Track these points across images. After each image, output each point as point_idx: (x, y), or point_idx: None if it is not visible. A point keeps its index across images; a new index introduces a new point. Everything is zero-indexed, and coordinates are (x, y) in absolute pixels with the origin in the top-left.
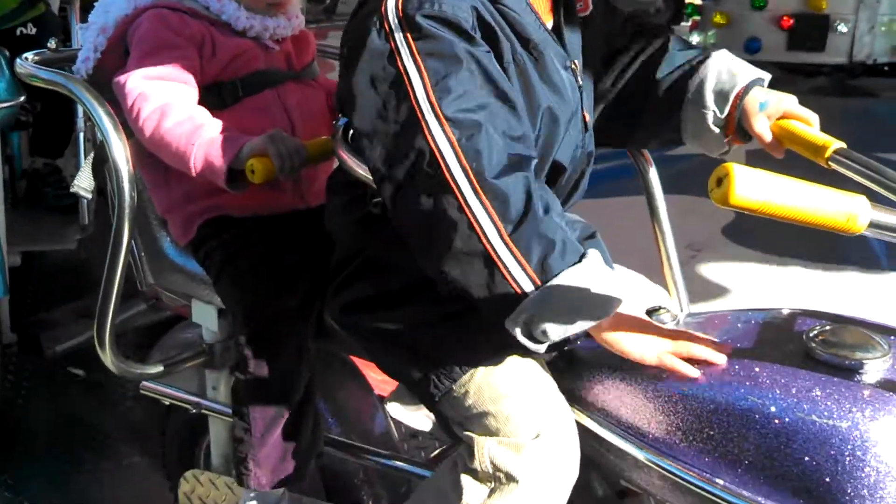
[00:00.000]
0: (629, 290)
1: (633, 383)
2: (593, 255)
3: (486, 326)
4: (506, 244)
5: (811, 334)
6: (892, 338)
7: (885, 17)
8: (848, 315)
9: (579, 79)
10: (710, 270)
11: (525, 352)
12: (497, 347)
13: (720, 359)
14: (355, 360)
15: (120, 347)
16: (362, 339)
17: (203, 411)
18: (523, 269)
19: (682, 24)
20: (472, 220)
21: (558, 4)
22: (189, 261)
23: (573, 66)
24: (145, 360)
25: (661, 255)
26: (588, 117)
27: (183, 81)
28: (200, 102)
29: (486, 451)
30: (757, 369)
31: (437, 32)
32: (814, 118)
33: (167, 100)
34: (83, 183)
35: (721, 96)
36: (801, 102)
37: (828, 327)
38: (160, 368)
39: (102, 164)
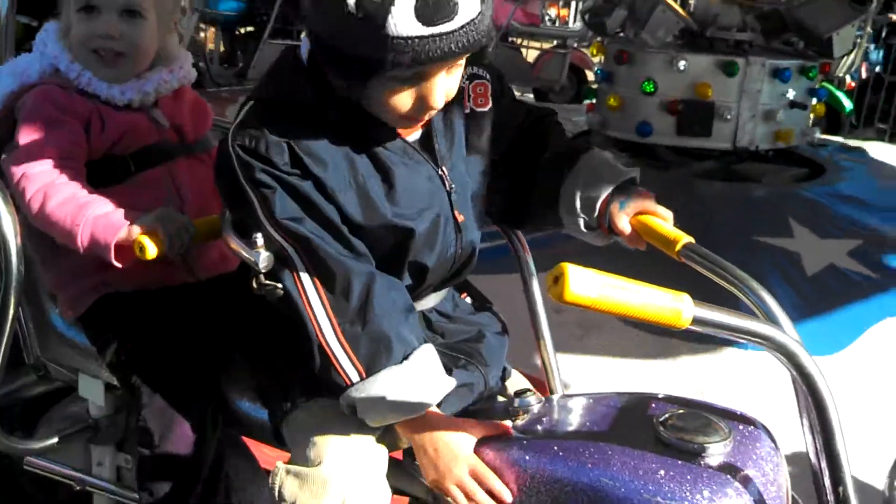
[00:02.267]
0: (450, 389)
1: (486, 453)
2: (421, 354)
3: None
4: (337, 338)
5: (661, 419)
6: (734, 422)
7: (765, 106)
8: (697, 400)
9: (447, 184)
10: (599, 349)
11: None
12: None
13: (507, 496)
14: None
15: (5, 420)
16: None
17: (88, 488)
18: (352, 362)
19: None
20: (312, 316)
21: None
22: (77, 334)
23: (441, 172)
24: (31, 434)
25: (535, 335)
26: (462, 218)
27: (68, 159)
28: (92, 177)
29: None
30: (609, 452)
31: (253, 164)
32: (668, 214)
33: (51, 178)
34: None
35: (588, 203)
36: (691, 184)
37: (677, 412)
38: (45, 443)
39: None
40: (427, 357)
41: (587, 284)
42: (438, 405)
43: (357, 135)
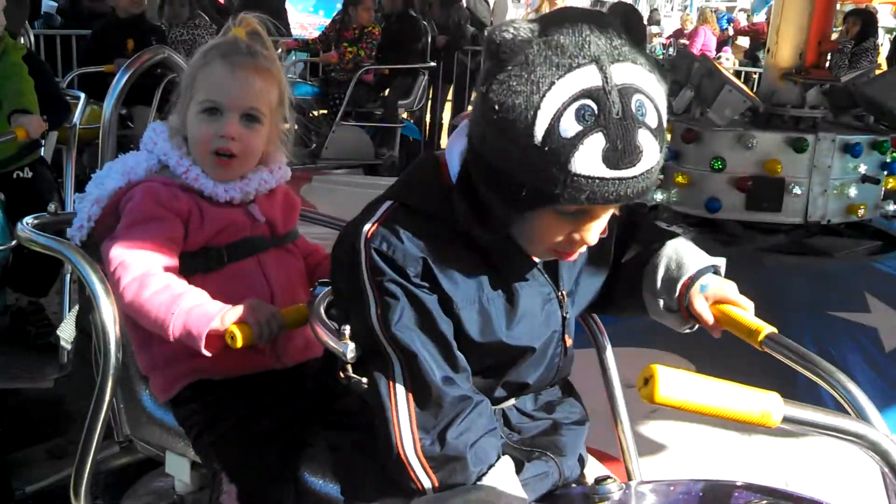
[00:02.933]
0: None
1: None
2: (495, 473)
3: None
4: (416, 452)
5: None
6: None
7: (836, 180)
8: (781, 489)
9: (565, 309)
10: (675, 427)
11: None
12: None
13: None
14: None
15: (91, 492)
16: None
17: None
18: (427, 473)
19: None
20: (396, 425)
21: None
22: (166, 414)
23: (560, 296)
24: None
25: (613, 419)
26: (570, 342)
27: (165, 251)
28: (187, 266)
29: None
30: None
31: (385, 269)
32: (749, 304)
33: (146, 269)
34: (65, 334)
35: (668, 285)
36: (761, 259)
37: (761, 501)
38: None
39: (87, 313)
40: (501, 472)
41: (677, 386)
42: None
43: (490, 255)
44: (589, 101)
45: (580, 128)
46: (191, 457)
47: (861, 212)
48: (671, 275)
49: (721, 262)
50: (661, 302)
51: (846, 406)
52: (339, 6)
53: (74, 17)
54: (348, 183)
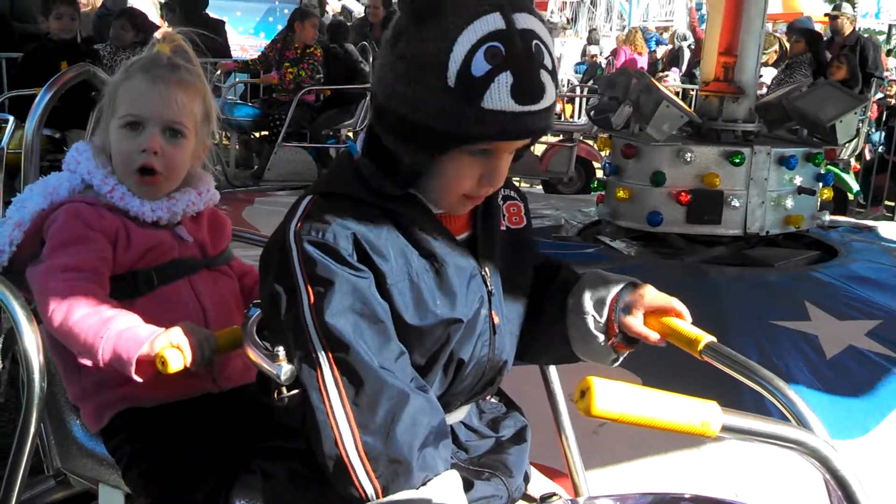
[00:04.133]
0: None
1: None
2: (441, 481)
3: None
4: (357, 452)
5: None
6: None
7: (773, 192)
8: (726, 499)
9: (489, 284)
10: (622, 439)
11: None
12: None
13: None
14: None
15: None
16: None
17: None
18: (369, 478)
19: (590, 194)
20: (335, 426)
21: (476, 220)
22: (98, 445)
23: (483, 273)
24: None
25: (558, 433)
26: (497, 319)
27: (93, 273)
28: (115, 291)
29: None
30: None
31: (318, 257)
32: (684, 310)
33: (75, 293)
34: None
35: (598, 303)
36: (703, 270)
37: None
38: None
39: (13, 343)
40: (447, 483)
41: (614, 398)
42: None
43: (413, 231)
44: (497, 43)
45: (489, 67)
46: (125, 489)
47: (799, 223)
48: (599, 293)
49: (638, 281)
50: (591, 320)
51: (786, 413)
52: (280, 28)
53: (1, 38)
54: (291, 204)
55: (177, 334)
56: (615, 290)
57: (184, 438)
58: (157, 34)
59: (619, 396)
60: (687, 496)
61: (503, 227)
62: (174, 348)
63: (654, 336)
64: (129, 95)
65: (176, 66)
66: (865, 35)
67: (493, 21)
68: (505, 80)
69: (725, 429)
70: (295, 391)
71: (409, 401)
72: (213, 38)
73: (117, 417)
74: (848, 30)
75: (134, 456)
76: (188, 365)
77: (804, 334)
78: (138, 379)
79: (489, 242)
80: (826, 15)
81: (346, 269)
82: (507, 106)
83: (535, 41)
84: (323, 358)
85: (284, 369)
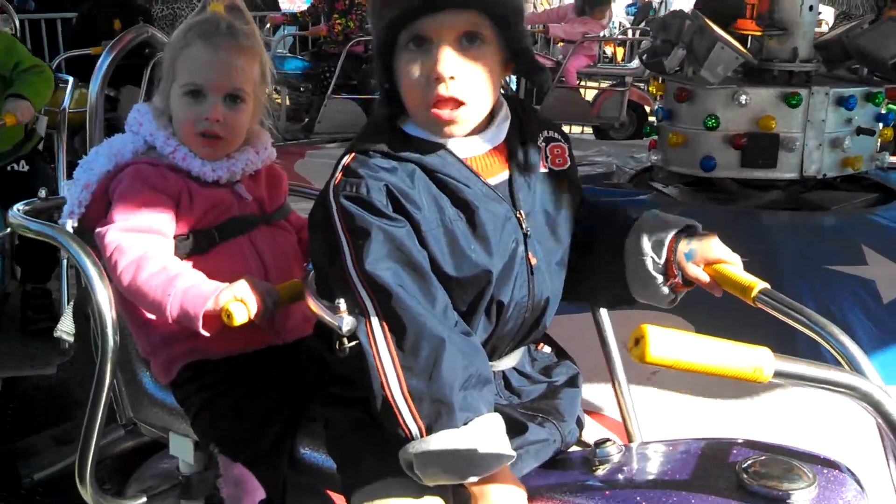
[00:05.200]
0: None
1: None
2: (483, 422)
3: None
4: (402, 392)
5: (744, 465)
6: (818, 467)
7: (831, 134)
8: (779, 444)
9: (524, 225)
10: (675, 385)
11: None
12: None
13: None
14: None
15: (98, 477)
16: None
17: None
18: (413, 418)
19: (642, 140)
20: (381, 369)
21: (512, 162)
22: (167, 395)
23: (518, 215)
24: (123, 490)
25: (611, 380)
26: (535, 261)
27: (158, 233)
28: (179, 249)
29: None
30: (693, 501)
31: (354, 210)
32: (737, 259)
33: (142, 252)
34: (65, 327)
35: (657, 244)
36: (757, 216)
37: (760, 458)
38: (138, 501)
39: (86, 304)
40: (490, 425)
41: (668, 345)
42: (514, 465)
43: (444, 179)
44: None
45: None
46: (193, 437)
47: (857, 165)
48: (657, 235)
49: (697, 224)
50: (649, 262)
51: (840, 359)
52: None
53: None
54: None
55: (241, 288)
56: (673, 231)
57: (249, 388)
58: None
59: (672, 343)
60: (740, 441)
61: (545, 169)
62: (238, 302)
63: (705, 279)
64: (190, 63)
65: (233, 30)
66: None
67: None
68: None
69: (777, 374)
70: (355, 341)
71: (450, 344)
72: None
73: (185, 369)
74: None
75: (202, 406)
76: (252, 318)
77: (860, 279)
78: (206, 333)
79: (527, 187)
80: None
81: (382, 220)
82: None
83: None
84: (369, 305)
85: (346, 320)
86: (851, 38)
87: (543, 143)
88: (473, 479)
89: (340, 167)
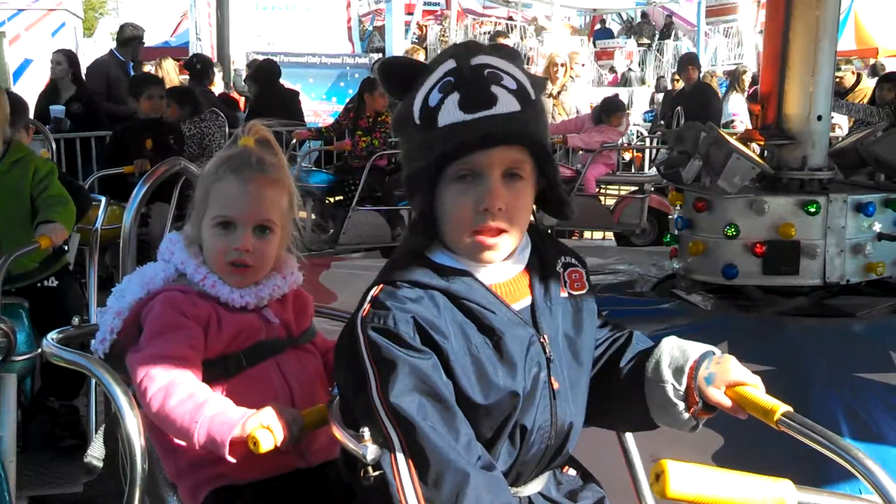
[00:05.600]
0: None
1: None
2: None
3: None
4: None
5: None
6: None
7: (852, 240)
8: None
9: (548, 350)
10: None
11: None
12: None
13: None
14: None
15: None
16: None
17: None
18: None
19: (663, 245)
20: (404, 501)
21: (534, 287)
22: None
23: (542, 340)
24: None
25: (637, 500)
26: (557, 385)
27: (188, 360)
28: (206, 373)
29: None
30: None
31: (381, 342)
32: (756, 380)
33: (171, 378)
34: (95, 452)
35: (677, 371)
36: (783, 323)
37: None
38: None
39: (115, 428)
40: None
41: (688, 480)
42: None
43: (470, 306)
44: (449, 77)
45: (441, 95)
46: None
47: (879, 269)
48: (677, 362)
49: (716, 349)
50: (670, 388)
51: (865, 482)
52: (351, 92)
53: (89, 120)
54: (367, 267)
55: (267, 415)
56: (693, 358)
57: None
58: (241, 129)
59: (693, 477)
60: None
61: (564, 294)
62: (265, 429)
63: (728, 403)
64: (221, 196)
65: (262, 164)
66: None
67: (448, 65)
68: (453, 99)
69: None
70: (379, 471)
71: (473, 479)
72: (288, 109)
73: (212, 495)
74: None
75: None
76: (278, 444)
77: (891, 386)
78: (232, 459)
79: (548, 312)
80: None
81: (409, 353)
82: (457, 117)
83: (487, 70)
84: (393, 436)
85: (370, 449)
86: (866, 146)
87: (562, 269)
88: None
89: (369, 298)
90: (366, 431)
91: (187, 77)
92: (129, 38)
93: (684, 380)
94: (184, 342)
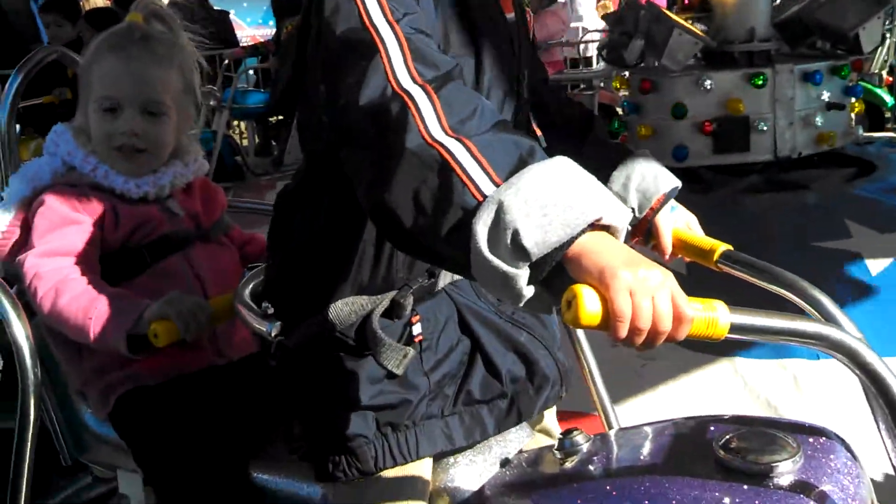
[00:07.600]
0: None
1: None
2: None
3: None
4: (447, 135)
5: (721, 442)
6: (803, 436)
7: (801, 111)
8: (758, 416)
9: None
10: (662, 378)
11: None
12: None
13: None
14: None
15: None
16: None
17: None
18: (483, 168)
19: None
20: (418, 118)
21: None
22: (110, 430)
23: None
24: None
25: (584, 375)
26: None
27: (81, 256)
28: (110, 271)
29: None
30: (667, 485)
31: None
32: (694, 222)
33: (62, 275)
34: None
35: (644, 197)
36: (738, 201)
37: (738, 431)
38: None
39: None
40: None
41: (602, 305)
42: None
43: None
44: None
45: None
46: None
47: (831, 141)
48: (647, 188)
49: (679, 183)
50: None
51: (815, 313)
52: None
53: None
54: None
55: (165, 305)
56: (663, 191)
57: (192, 414)
58: (135, 4)
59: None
60: (717, 416)
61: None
62: (164, 320)
63: (669, 249)
64: (103, 77)
65: (147, 39)
66: None
67: None
68: None
69: (735, 328)
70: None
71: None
72: (219, 29)
73: (122, 399)
74: None
75: (142, 437)
76: (182, 335)
77: (848, 252)
78: (134, 357)
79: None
80: None
81: None
82: None
83: None
84: (418, 92)
85: (276, 325)
86: (809, 13)
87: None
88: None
89: None
90: (270, 309)
91: None
92: None
93: (646, 210)
94: (75, 238)
